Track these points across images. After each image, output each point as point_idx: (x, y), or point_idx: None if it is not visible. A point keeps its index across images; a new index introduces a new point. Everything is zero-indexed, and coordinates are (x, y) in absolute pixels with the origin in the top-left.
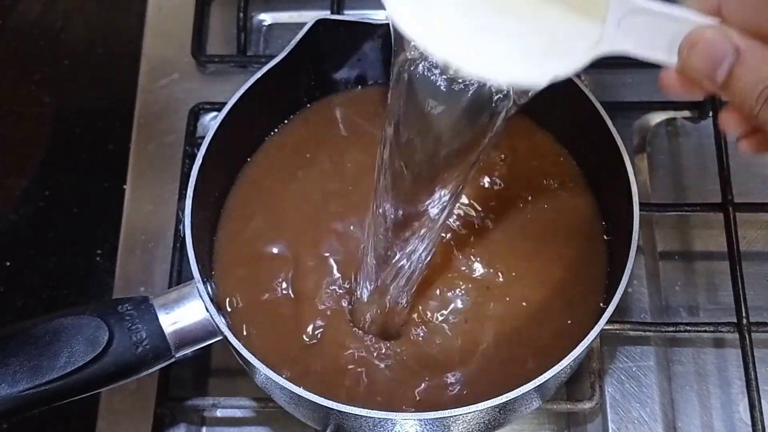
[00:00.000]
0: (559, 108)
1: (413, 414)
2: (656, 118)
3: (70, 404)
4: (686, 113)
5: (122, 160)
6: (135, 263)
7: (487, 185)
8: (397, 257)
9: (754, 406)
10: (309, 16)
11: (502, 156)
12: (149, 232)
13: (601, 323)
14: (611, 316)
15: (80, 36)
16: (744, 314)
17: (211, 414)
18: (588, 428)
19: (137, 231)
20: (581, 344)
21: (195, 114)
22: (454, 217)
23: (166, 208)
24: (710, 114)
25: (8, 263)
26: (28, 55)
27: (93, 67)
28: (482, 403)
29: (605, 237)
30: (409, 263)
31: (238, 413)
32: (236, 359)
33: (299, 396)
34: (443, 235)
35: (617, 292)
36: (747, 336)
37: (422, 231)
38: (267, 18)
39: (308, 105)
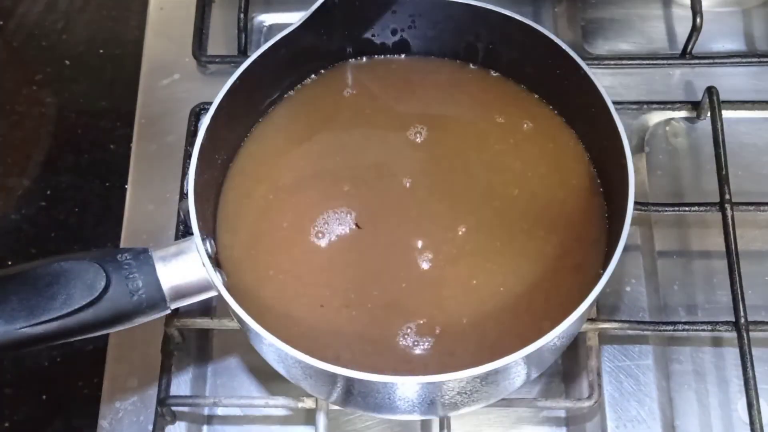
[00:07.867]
0: (571, 95)
1: (418, 378)
2: (654, 118)
3: (71, 403)
4: (684, 113)
5: (123, 160)
6: None
7: (494, 159)
8: None
9: (752, 405)
10: None
11: (523, 125)
12: (150, 231)
13: (583, 306)
14: (610, 315)
15: (81, 36)
16: (742, 313)
17: (211, 413)
18: (587, 427)
19: (138, 230)
20: (562, 323)
21: (196, 114)
22: (458, 187)
23: (167, 208)
24: (708, 114)
25: (10, 262)
26: (29, 56)
27: (94, 67)
28: (473, 369)
29: (607, 226)
30: None
31: (238, 412)
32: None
33: (286, 354)
34: (452, 223)
35: (600, 281)
36: (745, 335)
37: None
38: (267, 19)
39: (322, 71)
